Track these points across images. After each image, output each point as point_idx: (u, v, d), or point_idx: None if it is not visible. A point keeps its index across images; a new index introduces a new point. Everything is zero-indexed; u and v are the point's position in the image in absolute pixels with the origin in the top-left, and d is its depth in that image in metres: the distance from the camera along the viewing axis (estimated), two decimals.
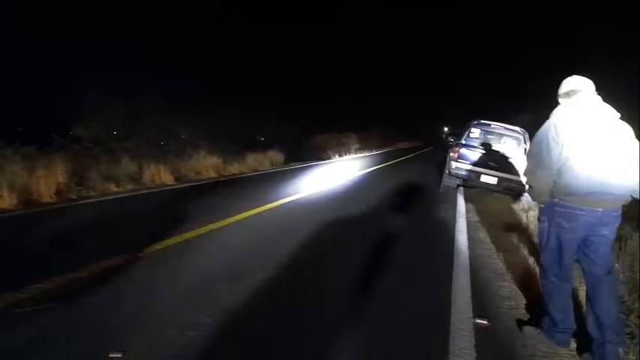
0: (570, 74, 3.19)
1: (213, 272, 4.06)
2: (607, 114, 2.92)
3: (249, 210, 6.74)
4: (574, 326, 3.11)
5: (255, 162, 14.33)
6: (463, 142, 10.09)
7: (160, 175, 9.71)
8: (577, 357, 3.03)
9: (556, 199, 2.96)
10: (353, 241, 5.57)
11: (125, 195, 8.03)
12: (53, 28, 21.01)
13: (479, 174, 9.41)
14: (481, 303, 3.76)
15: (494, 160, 9.35)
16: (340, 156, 21.37)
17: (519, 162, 8.95)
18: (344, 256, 4.91)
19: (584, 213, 2.85)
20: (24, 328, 2.86)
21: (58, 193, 7.19)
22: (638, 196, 2.88)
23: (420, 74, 66.32)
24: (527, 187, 3.17)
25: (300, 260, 4.57)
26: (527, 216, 6.89)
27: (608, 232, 2.94)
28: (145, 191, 8.56)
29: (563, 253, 3.01)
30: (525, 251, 5.21)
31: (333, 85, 36.69)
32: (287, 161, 16.20)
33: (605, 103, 2.99)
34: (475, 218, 7.73)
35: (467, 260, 4.93)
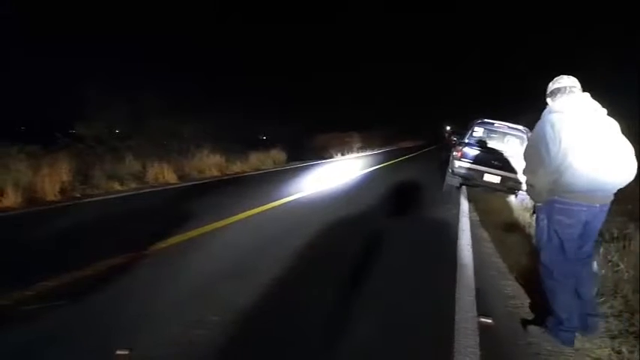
0: (571, 74, 3.24)
1: (219, 271, 4.07)
2: (598, 111, 3.00)
3: (253, 209, 6.75)
4: (578, 324, 3.12)
5: (258, 161, 14.34)
6: (466, 141, 10.05)
7: (164, 174, 9.72)
8: (580, 354, 3.02)
9: (556, 197, 2.99)
10: (357, 240, 5.56)
11: (129, 193, 8.05)
12: (54, 28, 21.07)
13: (482, 173, 9.38)
14: (485, 302, 3.75)
15: (497, 159, 9.32)
16: (342, 155, 21.36)
17: (523, 161, 8.91)
18: (349, 255, 4.90)
19: (584, 209, 2.95)
20: (31, 326, 2.87)
21: (62, 191, 7.21)
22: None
23: (422, 74, 66.01)
24: (526, 186, 3.16)
25: (304, 259, 4.57)
26: (530, 215, 6.88)
27: (599, 223, 3.12)
28: (148, 190, 8.58)
29: (565, 249, 3.05)
30: (529, 250, 5.19)
31: (335, 84, 36.62)
32: (289, 160, 16.22)
33: (594, 100, 3.04)
34: (478, 217, 7.71)
35: (470, 259, 4.92)
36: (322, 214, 6.68)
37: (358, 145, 25.60)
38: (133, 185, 8.73)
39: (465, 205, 8.80)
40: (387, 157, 22.88)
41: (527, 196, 3.65)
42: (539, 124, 3.07)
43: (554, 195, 3.00)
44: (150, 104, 12.38)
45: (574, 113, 2.95)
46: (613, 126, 2.97)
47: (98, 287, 3.48)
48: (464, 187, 10.62)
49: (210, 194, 8.40)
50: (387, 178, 13.01)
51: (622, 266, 4.52)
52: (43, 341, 2.70)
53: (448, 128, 46.72)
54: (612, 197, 3.06)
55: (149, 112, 12.31)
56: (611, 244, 5.13)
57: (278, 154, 16.01)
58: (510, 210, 8.14)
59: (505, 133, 10.13)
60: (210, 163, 11.90)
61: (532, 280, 4.17)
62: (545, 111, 3.14)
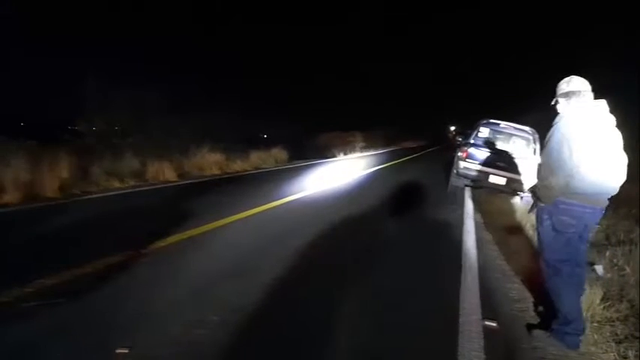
0: (576, 74, 3.31)
1: (219, 270, 4.03)
2: (606, 117, 3.09)
3: (254, 208, 6.70)
4: (584, 327, 3.14)
5: (259, 160, 14.29)
6: (472, 141, 9.98)
7: (164, 172, 9.67)
8: (586, 359, 2.99)
9: (561, 198, 3.07)
10: (359, 241, 5.52)
11: (128, 191, 8.01)
12: (54, 28, 21.11)
13: (487, 174, 9.30)
14: (490, 305, 3.70)
15: (503, 160, 9.24)
16: (345, 154, 21.29)
17: (529, 162, 8.84)
18: (352, 255, 4.85)
19: (588, 210, 3.07)
20: (30, 323, 2.84)
21: (61, 188, 7.16)
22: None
23: (424, 74, 66.20)
24: (542, 186, 3.14)
25: (305, 259, 4.52)
26: (528, 211, 6.82)
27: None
28: (148, 187, 8.53)
29: (571, 248, 3.12)
30: (534, 252, 5.13)
31: (337, 85, 36.66)
32: (291, 159, 16.17)
33: (603, 105, 3.13)
34: (483, 219, 7.66)
35: (475, 261, 4.87)
36: (324, 215, 6.62)
37: (361, 144, 25.54)
38: (133, 183, 8.68)
39: (469, 206, 8.74)
40: (390, 157, 22.83)
41: (531, 197, 3.61)
42: (556, 127, 3.12)
43: (561, 196, 3.06)
44: (151, 103, 12.34)
45: (585, 120, 3.05)
46: (617, 137, 3.09)
47: (97, 285, 3.44)
48: (468, 188, 10.55)
49: (210, 193, 8.34)
50: (390, 178, 12.97)
51: (628, 270, 4.48)
52: (43, 339, 2.67)
53: (452, 129, 46.67)
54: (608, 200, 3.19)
55: (150, 111, 12.27)
56: (617, 248, 5.09)
57: (279, 153, 15.96)
58: (515, 212, 8.07)
59: (511, 134, 10.07)
60: (210, 162, 11.85)
61: (537, 283, 4.12)
62: (562, 115, 3.18)
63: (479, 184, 9.68)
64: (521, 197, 9.23)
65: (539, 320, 3.49)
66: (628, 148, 3.12)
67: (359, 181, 11.77)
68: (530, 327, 3.37)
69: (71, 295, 3.23)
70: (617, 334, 3.29)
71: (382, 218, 7.01)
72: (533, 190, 3.43)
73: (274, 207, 7.06)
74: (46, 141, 8.79)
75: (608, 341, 3.19)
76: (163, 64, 23.12)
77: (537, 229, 3.38)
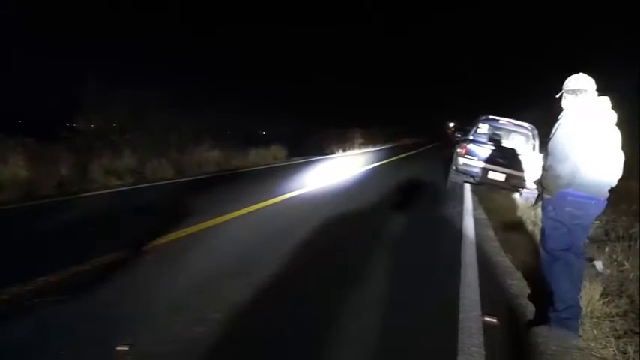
0: (576, 71, 3.42)
1: (219, 267, 4.02)
2: (608, 114, 3.20)
3: (252, 205, 6.69)
4: (580, 311, 3.25)
5: (258, 157, 14.29)
6: (471, 138, 9.97)
7: (162, 169, 9.66)
8: (585, 354, 2.99)
9: (569, 190, 3.15)
10: (359, 238, 5.52)
11: (127, 188, 7.99)
12: (53, 27, 21.04)
13: (487, 170, 9.30)
14: (490, 301, 3.70)
15: (502, 156, 9.24)
16: (344, 151, 21.27)
17: (528, 158, 8.84)
18: (351, 252, 4.86)
19: (593, 202, 3.17)
20: (31, 321, 2.84)
21: (60, 185, 7.15)
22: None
23: (425, 71, 66.17)
24: (550, 176, 3.18)
25: (305, 256, 4.52)
26: (535, 213, 6.82)
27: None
28: (146, 185, 8.51)
29: (572, 238, 3.21)
30: (534, 248, 5.13)
31: (338, 83, 36.63)
32: (290, 156, 16.15)
33: (606, 102, 3.23)
34: (483, 215, 7.66)
35: (474, 258, 4.87)
36: (323, 212, 6.61)
37: (360, 141, 25.54)
38: (131, 180, 8.67)
39: (469, 202, 8.74)
40: (389, 154, 22.80)
41: (537, 189, 3.65)
42: (563, 121, 3.21)
43: (568, 188, 3.14)
44: (150, 101, 12.31)
45: (591, 118, 3.15)
46: (616, 135, 3.20)
47: (97, 283, 3.44)
48: (467, 184, 10.54)
49: (209, 190, 8.33)
50: (389, 175, 12.97)
51: (627, 266, 4.49)
52: (43, 336, 2.67)
53: (451, 125, 46.61)
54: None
55: (149, 109, 12.23)
56: (617, 244, 5.09)
57: (278, 150, 15.94)
58: (515, 208, 8.08)
59: (510, 131, 10.07)
60: (209, 159, 11.85)
61: (537, 279, 4.12)
62: (568, 111, 3.26)
63: (478, 180, 9.68)
64: (521, 193, 9.23)
65: (539, 315, 3.49)
66: (628, 146, 3.20)
67: (357, 178, 11.76)
68: (530, 322, 3.39)
69: (71, 293, 3.22)
70: (616, 330, 3.30)
71: (381, 215, 7.00)
72: (539, 182, 3.46)
73: (272, 204, 7.05)
74: (45, 138, 8.76)
75: (607, 336, 3.19)
76: (163, 63, 23.10)
77: (542, 220, 3.44)
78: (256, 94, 27.28)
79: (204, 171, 11.02)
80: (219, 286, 3.58)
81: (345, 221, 6.31)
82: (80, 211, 5.99)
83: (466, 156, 9.58)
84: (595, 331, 3.25)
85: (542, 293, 3.52)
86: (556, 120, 3.36)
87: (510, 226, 6.59)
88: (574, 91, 3.31)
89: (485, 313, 3.41)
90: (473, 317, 3.32)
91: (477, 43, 76.72)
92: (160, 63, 22.57)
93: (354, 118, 29.42)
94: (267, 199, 7.22)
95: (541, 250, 3.39)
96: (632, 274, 4.26)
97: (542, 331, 3.20)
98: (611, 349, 3.02)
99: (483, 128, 10.18)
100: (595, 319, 3.43)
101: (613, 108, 3.22)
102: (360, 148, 24.24)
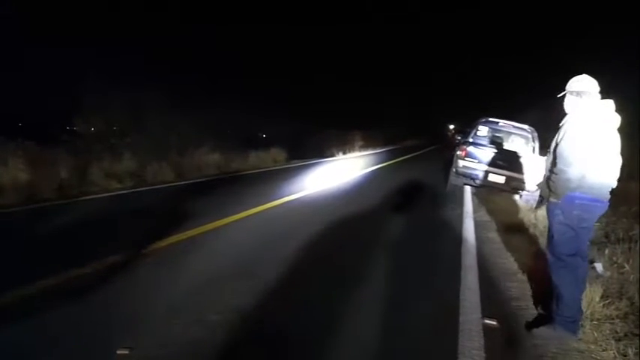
0: (577, 73, 3.42)
1: (219, 270, 4.03)
2: (612, 118, 3.22)
3: (252, 208, 6.69)
4: (581, 315, 3.29)
5: (258, 159, 14.29)
6: (470, 140, 9.97)
7: (162, 172, 9.66)
8: (586, 356, 2.99)
9: (577, 193, 3.16)
10: (358, 241, 5.51)
11: (127, 191, 7.99)
12: (53, 28, 21.03)
13: (487, 173, 9.30)
14: (490, 303, 3.70)
15: (502, 158, 9.24)
16: (344, 154, 21.28)
17: (528, 160, 8.84)
18: (351, 256, 4.85)
19: (599, 204, 3.20)
20: (32, 323, 2.84)
21: (60, 188, 7.16)
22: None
23: (426, 73, 66.26)
24: (558, 178, 3.17)
25: (305, 259, 4.52)
26: (535, 215, 6.82)
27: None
28: (147, 188, 8.52)
29: (579, 242, 3.22)
30: (534, 251, 5.14)
31: (338, 84, 36.59)
32: (290, 159, 16.14)
33: (610, 105, 3.23)
34: (482, 218, 7.65)
35: (475, 260, 4.87)
36: (322, 215, 6.61)
37: (360, 143, 25.53)
38: (131, 183, 8.67)
39: (469, 205, 8.73)
40: (389, 156, 22.79)
41: (540, 193, 3.65)
42: (570, 125, 3.22)
43: (575, 191, 3.15)
44: (149, 102, 12.31)
45: (595, 121, 3.17)
46: (617, 139, 3.22)
47: (98, 286, 3.44)
48: (468, 186, 10.54)
49: (209, 193, 8.33)
50: (389, 178, 12.97)
51: (627, 268, 4.48)
52: (44, 339, 2.68)
53: (451, 127, 46.62)
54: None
55: (148, 111, 12.23)
56: (617, 246, 5.08)
57: (278, 153, 15.94)
58: (515, 210, 8.07)
59: (510, 133, 10.08)
60: (209, 162, 11.85)
61: (537, 281, 4.12)
62: (574, 114, 3.28)
63: (478, 182, 9.67)
64: (521, 195, 9.22)
65: (539, 318, 3.49)
66: (629, 147, 3.21)
67: (358, 180, 11.76)
68: (529, 325, 3.38)
69: (72, 296, 3.23)
70: (616, 332, 3.29)
71: (381, 218, 7.01)
72: (545, 185, 3.43)
73: (273, 207, 7.05)
74: (45, 141, 8.76)
75: (607, 339, 3.18)
76: (162, 64, 23.06)
77: (549, 224, 3.41)
78: (256, 94, 27.24)
79: (205, 174, 11.02)
80: (219, 288, 3.58)
81: (345, 224, 6.31)
82: (81, 214, 6.00)
83: (466, 158, 9.58)
84: (595, 334, 3.24)
85: (544, 296, 3.52)
86: (559, 122, 3.37)
87: (511, 228, 6.58)
88: (578, 93, 3.32)
89: (485, 315, 3.40)
90: (473, 320, 3.31)
91: (477, 43, 76.73)
92: (160, 63, 22.54)
93: (353, 118, 29.36)
94: (268, 202, 7.22)
95: (549, 255, 3.37)
96: (632, 277, 4.25)
97: (541, 334, 3.21)
98: (612, 352, 3.01)
99: (483, 130, 10.19)
100: (595, 322, 3.42)
101: (617, 110, 3.22)
102: (360, 151, 24.24)
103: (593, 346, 3.10)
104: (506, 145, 9.92)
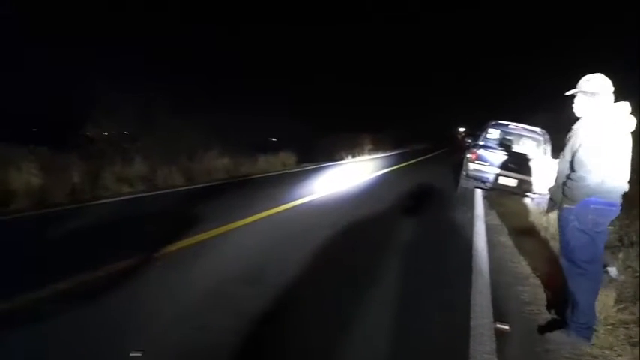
0: (577, 73, 3.33)
1: (230, 273, 4.04)
2: (626, 121, 3.14)
3: (262, 212, 6.70)
4: (596, 321, 3.23)
5: (267, 164, 14.29)
6: (481, 143, 9.92)
7: (173, 176, 9.72)
8: None
9: (592, 198, 3.09)
10: (369, 245, 5.51)
11: (138, 196, 8.05)
12: (54, 28, 21.19)
13: (497, 176, 9.24)
14: (501, 308, 3.67)
15: (513, 161, 9.17)
16: (354, 157, 21.24)
17: (540, 163, 8.76)
18: (362, 259, 4.84)
19: (614, 208, 3.16)
20: (45, 327, 2.87)
21: (72, 193, 7.22)
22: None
23: (435, 76, 66.02)
24: (577, 184, 3.10)
25: (315, 262, 4.52)
26: (547, 219, 6.75)
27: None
28: (158, 192, 8.57)
29: (595, 247, 3.16)
30: (547, 255, 5.09)
31: (344, 85, 36.60)
32: (299, 162, 16.14)
33: (626, 108, 3.15)
34: (493, 221, 7.60)
35: (486, 264, 4.83)
36: (332, 219, 6.60)
37: (369, 147, 25.47)
38: (142, 187, 8.72)
39: (479, 208, 8.67)
40: (398, 159, 22.68)
41: (550, 197, 3.57)
42: (589, 129, 3.12)
43: (592, 196, 3.08)
44: (158, 107, 12.39)
45: (614, 125, 3.11)
46: (629, 143, 3.16)
47: (110, 289, 3.47)
48: (478, 189, 10.47)
49: (219, 197, 8.36)
50: (399, 181, 12.94)
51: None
52: (56, 342, 2.70)
53: (462, 130, 46.41)
54: None
55: (157, 115, 12.30)
56: (630, 250, 5.02)
57: (287, 157, 15.94)
58: (526, 213, 8.00)
59: (521, 136, 10.00)
60: (218, 166, 11.88)
61: (550, 285, 4.08)
62: (590, 118, 3.18)
63: (489, 185, 9.61)
64: (532, 198, 9.14)
65: (551, 322, 3.45)
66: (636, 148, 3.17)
67: (368, 183, 11.75)
68: (542, 329, 3.35)
69: (84, 299, 3.26)
70: (631, 337, 3.24)
71: (392, 221, 6.99)
72: (559, 191, 3.32)
73: (282, 211, 7.07)
74: (57, 147, 8.86)
75: (622, 344, 3.14)
76: (162, 64, 23.16)
77: (561, 230, 3.32)
78: (256, 94, 27.28)
79: (214, 178, 11.05)
80: (230, 292, 3.59)
81: (356, 227, 6.30)
82: (93, 219, 6.05)
83: (476, 161, 9.52)
84: (610, 339, 3.20)
85: (556, 300, 3.48)
86: (569, 124, 3.30)
87: (522, 231, 6.53)
88: (592, 94, 3.19)
89: (496, 319, 3.38)
90: (485, 324, 3.29)
91: (477, 43, 76.45)
92: (160, 63, 22.64)
93: (361, 119, 29.28)
94: (277, 206, 7.23)
95: (563, 261, 3.29)
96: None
97: (554, 338, 3.17)
98: (626, 357, 2.98)
99: (493, 133, 10.13)
100: (609, 326, 3.37)
101: (632, 113, 3.15)
102: (369, 154, 24.18)
103: (607, 351, 3.06)
104: (517, 148, 9.84)
